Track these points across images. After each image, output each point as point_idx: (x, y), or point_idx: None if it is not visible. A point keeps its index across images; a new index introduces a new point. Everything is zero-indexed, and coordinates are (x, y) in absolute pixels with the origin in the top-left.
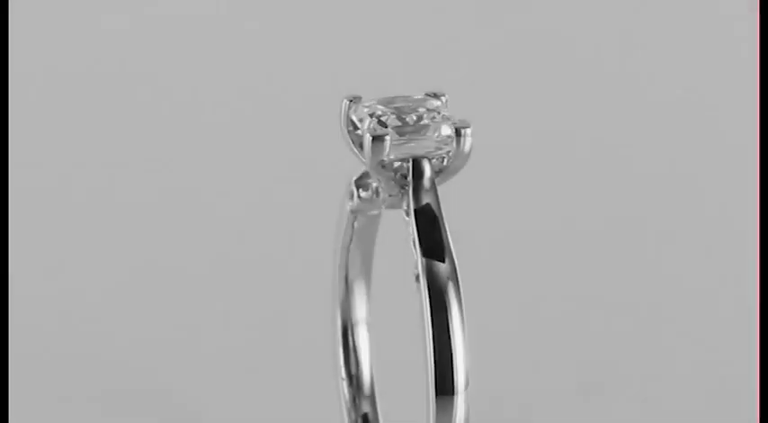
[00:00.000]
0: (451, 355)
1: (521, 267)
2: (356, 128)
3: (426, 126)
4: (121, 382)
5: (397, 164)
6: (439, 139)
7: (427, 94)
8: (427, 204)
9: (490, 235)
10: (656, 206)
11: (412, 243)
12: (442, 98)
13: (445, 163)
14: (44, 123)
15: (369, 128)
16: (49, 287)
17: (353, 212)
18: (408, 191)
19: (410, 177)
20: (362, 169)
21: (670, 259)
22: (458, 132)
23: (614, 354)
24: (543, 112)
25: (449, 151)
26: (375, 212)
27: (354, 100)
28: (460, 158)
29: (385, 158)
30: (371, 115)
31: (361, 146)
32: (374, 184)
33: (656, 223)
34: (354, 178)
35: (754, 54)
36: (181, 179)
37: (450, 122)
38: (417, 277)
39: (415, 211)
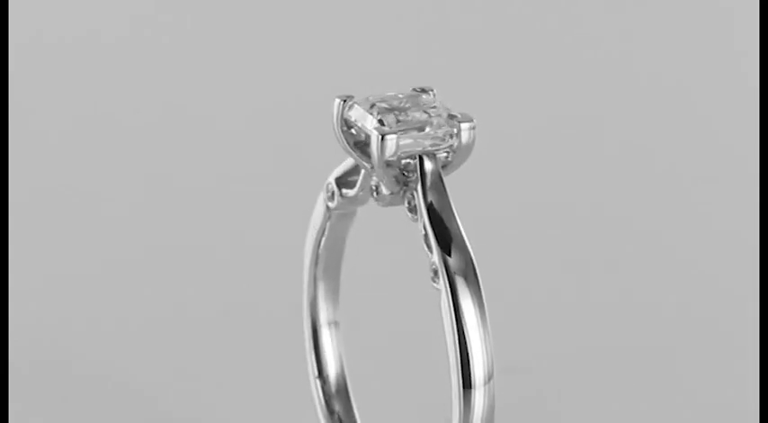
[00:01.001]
0: (473, 349)
1: (514, 263)
2: (350, 127)
3: (428, 121)
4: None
5: (404, 161)
6: (441, 133)
7: (415, 90)
8: (438, 199)
9: (486, 231)
10: (651, 203)
11: (423, 239)
12: (431, 92)
13: (449, 157)
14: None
15: (376, 127)
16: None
17: (330, 211)
18: (417, 187)
19: (418, 173)
20: (341, 168)
21: (668, 257)
22: (460, 126)
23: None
24: (535, 107)
25: (451, 144)
26: (352, 211)
27: (347, 100)
28: (463, 152)
29: (393, 157)
30: (371, 114)
31: (356, 145)
32: (370, 183)
33: (649, 220)
34: (334, 177)
35: (755, 52)
36: (162, 178)
37: (449, 116)
38: (436, 272)
39: (428, 207)
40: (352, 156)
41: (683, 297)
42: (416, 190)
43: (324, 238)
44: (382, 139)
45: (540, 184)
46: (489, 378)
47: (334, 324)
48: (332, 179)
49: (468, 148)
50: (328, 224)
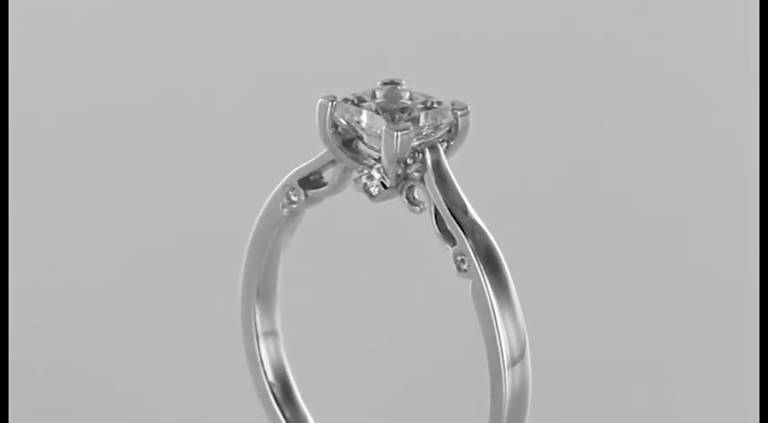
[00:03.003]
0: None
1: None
2: (337, 127)
3: (421, 113)
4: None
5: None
6: (433, 123)
7: (385, 83)
8: (450, 189)
9: None
10: (650, 200)
11: (438, 231)
12: (402, 83)
13: (448, 146)
14: None
15: (387, 124)
16: None
17: (284, 215)
18: (425, 179)
19: (428, 166)
20: (305, 169)
21: (668, 257)
22: (456, 114)
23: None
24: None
25: (448, 131)
26: (302, 212)
27: (335, 100)
28: (461, 137)
29: (406, 153)
30: (373, 112)
31: (345, 144)
32: (350, 180)
33: (648, 218)
34: (298, 178)
35: (755, 51)
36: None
37: (434, 103)
38: (463, 261)
39: (444, 198)
40: (341, 155)
41: (683, 295)
42: (424, 182)
43: (271, 244)
44: (397, 136)
45: (533, 177)
46: (514, 362)
47: (271, 335)
48: (294, 181)
49: (465, 132)
50: (277, 229)
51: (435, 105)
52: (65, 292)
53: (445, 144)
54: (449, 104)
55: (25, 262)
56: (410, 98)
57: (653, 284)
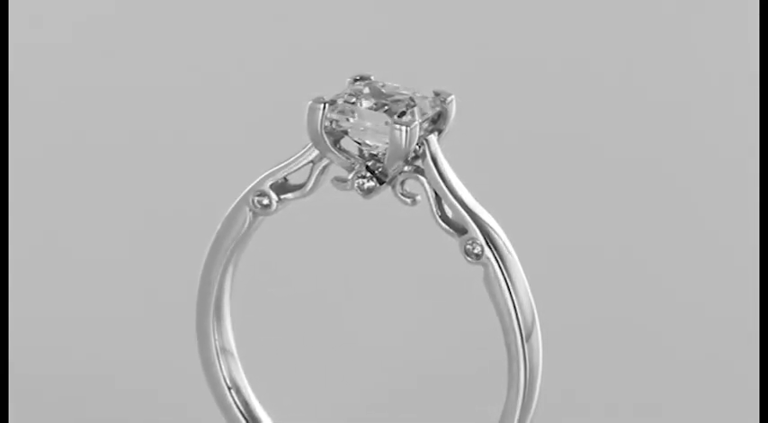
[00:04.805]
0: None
1: None
2: (326, 128)
3: (412, 106)
4: None
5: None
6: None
7: (356, 79)
8: (450, 179)
9: None
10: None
11: (441, 223)
12: (372, 77)
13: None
14: None
15: (396, 121)
16: None
17: (251, 222)
18: (428, 170)
19: (429, 158)
20: (277, 173)
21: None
22: (444, 101)
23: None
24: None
25: (433, 122)
26: (262, 220)
27: (325, 102)
28: (449, 124)
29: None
30: (374, 109)
31: (334, 144)
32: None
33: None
34: (269, 184)
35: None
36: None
37: (424, 95)
38: (474, 248)
39: (448, 188)
40: (332, 156)
41: (687, 292)
42: (423, 175)
43: (229, 254)
44: (406, 131)
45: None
46: (528, 337)
47: (224, 351)
48: (265, 186)
49: (451, 120)
50: (238, 237)
51: (420, 97)
52: (64, 292)
53: (436, 134)
54: (431, 94)
55: (23, 259)
56: (390, 92)
57: (656, 276)
